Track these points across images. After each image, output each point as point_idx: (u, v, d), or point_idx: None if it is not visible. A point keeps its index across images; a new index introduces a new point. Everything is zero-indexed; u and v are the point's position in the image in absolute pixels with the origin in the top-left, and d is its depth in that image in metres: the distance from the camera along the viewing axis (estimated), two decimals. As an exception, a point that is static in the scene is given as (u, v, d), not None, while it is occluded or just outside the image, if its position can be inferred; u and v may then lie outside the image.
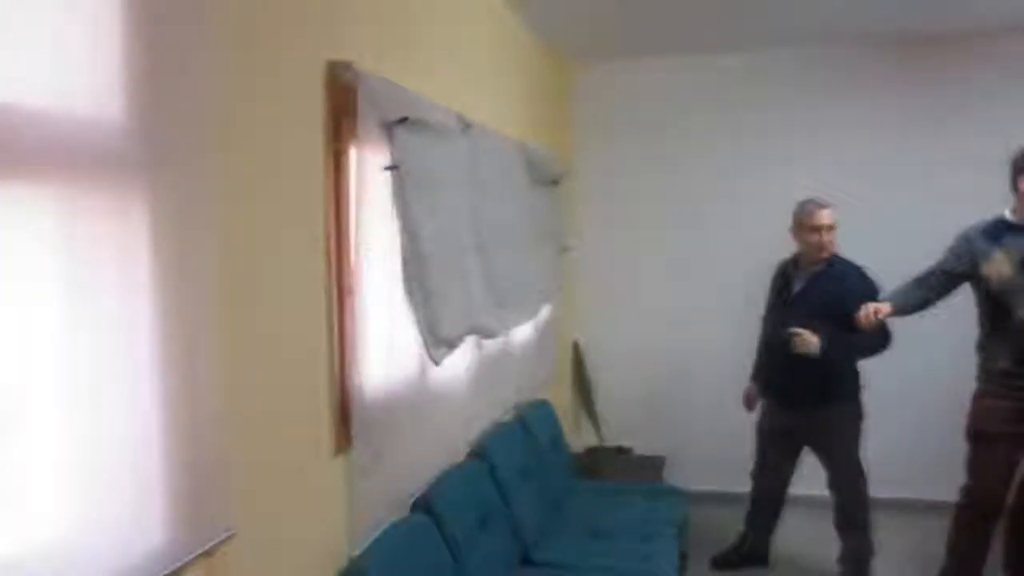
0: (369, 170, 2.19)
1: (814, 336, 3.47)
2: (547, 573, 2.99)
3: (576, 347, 4.97)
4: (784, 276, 3.83)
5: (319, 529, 2.09)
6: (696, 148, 4.91)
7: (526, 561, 3.08)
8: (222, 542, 1.63)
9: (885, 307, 3.32)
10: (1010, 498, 3.36)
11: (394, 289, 2.36)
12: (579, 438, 4.87)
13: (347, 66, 2.10)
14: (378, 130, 2.23)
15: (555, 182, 4.35)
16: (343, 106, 2.10)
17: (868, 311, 3.29)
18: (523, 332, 3.79)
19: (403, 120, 2.31)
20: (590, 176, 4.91)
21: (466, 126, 2.91)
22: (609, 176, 4.97)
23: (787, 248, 3.81)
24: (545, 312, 4.15)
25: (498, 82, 3.70)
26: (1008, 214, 3.26)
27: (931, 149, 4.63)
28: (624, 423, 4.93)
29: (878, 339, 3.49)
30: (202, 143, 1.57)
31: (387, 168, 2.28)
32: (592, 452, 4.80)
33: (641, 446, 4.85)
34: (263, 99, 1.83)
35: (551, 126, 4.52)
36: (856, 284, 3.56)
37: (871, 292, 3.51)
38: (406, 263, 2.39)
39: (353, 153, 2.14)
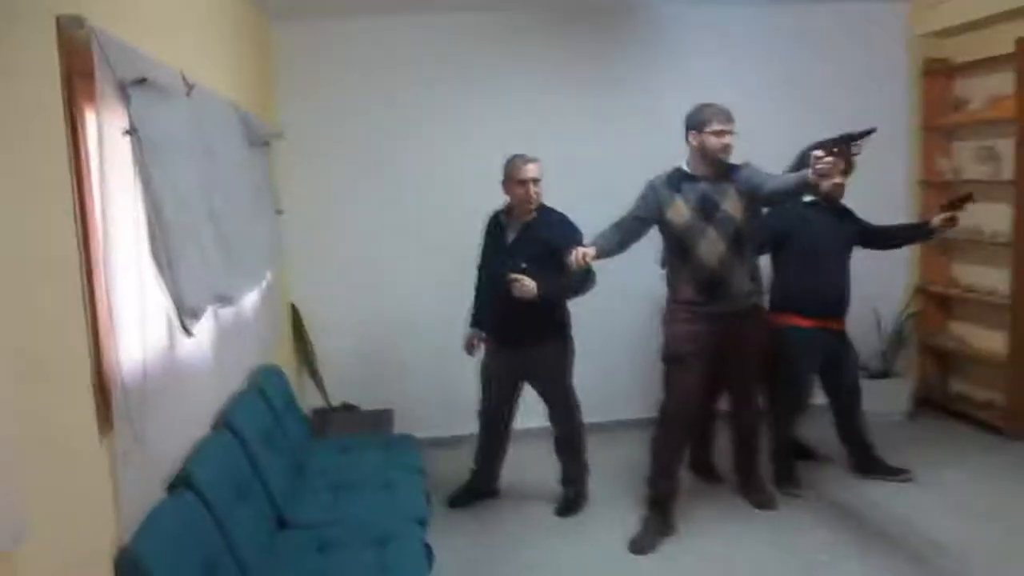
0: (111, 135, 2.05)
1: (531, 280, 3.80)
2: (306, 533, 3.01)
3: (294, 310, 4.93)
4: (497, 226, 4.11)
5: (88, 516, 1.97)
6: (399, 109, 5.03)
7: (283, 524, 3.09)
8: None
9: (590, 251, 3.70)
10: (696, 409, 3.96)
11: (143, 259, 2.24)
12: (304, 400, 4.86)
13: (80, 22, 1.94)
14: (116, 92, 2.09)
15: (267, 144, 4.26)
16: (79, 66, 1.94)
17: (577, 255, 3.65)
18: (251, 298, 3.71)
19: (140, 82, 2.18)
20: (296, 138, 4.83)
21: (190, 87, 2.78)
22: (314, 138, 4.92)
23: (492, 201, 4.09)
24: (269, 276, 4.08)
25: (208, 42, 3.53)
26: (685, 165, 3.79)
27: (619, 107, 5.19)
28: (348, 381, 5.01)
29: (585, 280, 3.89)
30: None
31: (126, 132, 2.15)
32: (319, 412, 4.83)
33: (367, 402, 4.96)
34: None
35: (257, 87, 4.38)
36: (563, 231, 3.92)
37: (576, 238, 3.89)
38: (151, 231, 2.28)
39: (93, 117, 1.99)
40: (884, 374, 5.46)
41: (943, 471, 4.50)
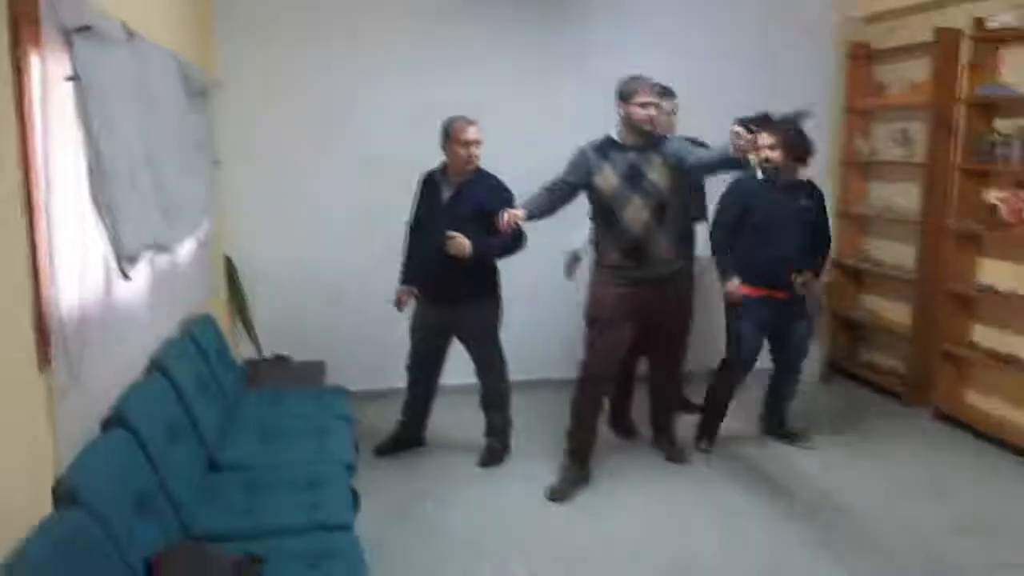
0: (54, 81, 2.11)
1: (466, 239, 3.93)
2: (237, 475, 3.13)
3: (228, 261, 4.97)
4: (432, 185, 4.22)
5: (25, 448, 2.06)
6: (338, 61, 5.06)
7: (214, 466, 3.19)
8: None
9: (520, 213, 3.84)
10: (616, 369, 4.17)
11: (83, 203, 2.30)
12: (237, 351, 4.92)
13: (25, -32, 1.98)
14: (60, 39, 2.14)
15: (204, 94, 4.27)
16: (25, 12, 1.98)
17: (508, 216, 3.80)
18: (187, 247, 3.76)
19: (84, 29, 2.23)
20: (234, 88, 4.82)
21: (130, 35, 2.82)
22: (252, 88, 4.92)
23: (430, 158, 4.19)
24: (205, 227, 4.13)
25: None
26: (614, 134, 3.94)
27: (553, 70, 5.32)
28: (281, 333, 5.08)
29: (515, 241, 4.04)
30: None
31: (69, 78, 2.20)
32: (252, 363, 4.90)
33: (299, 354, 5.04)
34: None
35: (196, 36, 4.37)
36: (496, 194, 4.06)
37: (509, 200, 4.04)
38: (91, 176, 2.34)
39: (38, 62, 2.04)
40: (798, 342, 5.76)
41: (844, 432, 4.83)
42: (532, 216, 3.88)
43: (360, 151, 5.12)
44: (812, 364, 5.74)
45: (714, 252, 4.44)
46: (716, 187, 4.50)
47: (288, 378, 4.75)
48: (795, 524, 3.71)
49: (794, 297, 4.37)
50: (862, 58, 5.76)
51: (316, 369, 4.88)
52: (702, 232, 4.60)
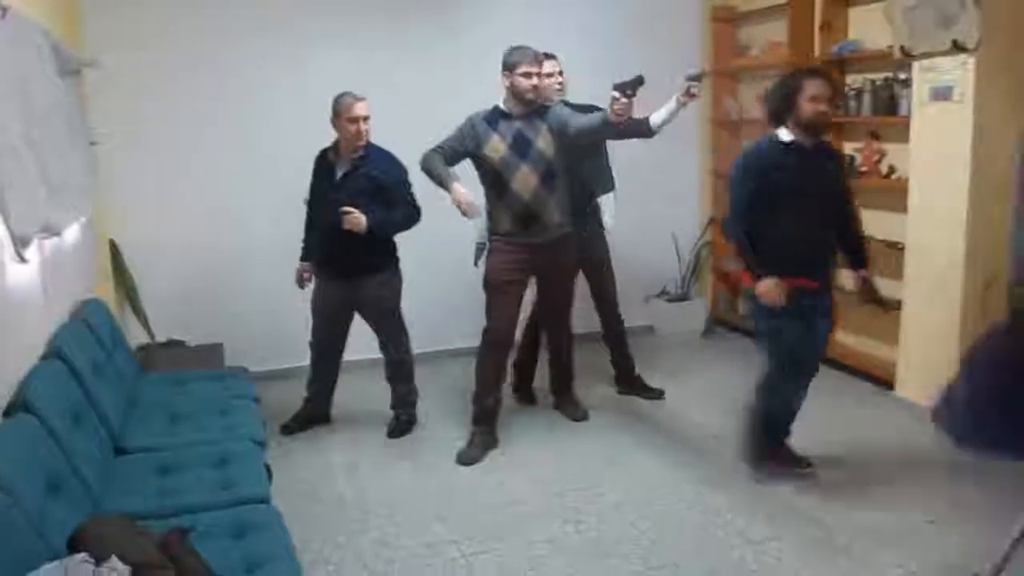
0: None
1: (361, 215, 3.96)
2: (146, 458, 3.08)
3: (113, 244, 4.80)
4: (326, 163, 4.21)
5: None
6: (219, 34, 4.94)
7: (119, 451, 3.13)
8: None
9: (464, 194, 3.86)
10: (518, 334, 4.29)
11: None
12: (128, 337, 4.78)
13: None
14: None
15: (79, 71, 4.11)
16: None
17: (464, 201, 3.83)
18: (73, 231, 3.64)
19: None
20: (108, 64, 4.61)
21: (5, 11, 2.71)
22: (127, 64, 4.68)
23: (321, 134, 4.17)
24: (89, 209, 3.99)
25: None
26: (501, 104, 4.03)
27: (438, 48, 5.35)
28: (174, 317, 4.97)
29: (412, 215, 4.10)
30: None
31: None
32: (144, 348, 4.78)
33: (195, 338, 4.94)
34: None
35: (61, 9, 4.19)
36: (389, 167, 4.11)
37: (402, 175, 4.09)
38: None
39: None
40: (683, 297, 6.04)
41: (725, 379, 5.12)
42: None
43: (245, 128, 5.03)
44: (696, 319, 6.05)
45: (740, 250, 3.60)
46: (621, 156, 4.63)
47: (185, 362, 4.67)
48: (686, 469, 3.93)
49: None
50: (725, 20, 6.06)
51: (214, 352, 4.81)
52: (609, 204, 4.66)
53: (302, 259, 4.37)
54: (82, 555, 1.89)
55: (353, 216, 3.95)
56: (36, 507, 2.15)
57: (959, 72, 4.05)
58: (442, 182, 3.90)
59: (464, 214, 3.86)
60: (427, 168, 3.96)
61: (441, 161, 3.96)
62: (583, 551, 3.21)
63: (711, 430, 4.37)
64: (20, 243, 2.51)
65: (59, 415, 2.65)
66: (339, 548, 3.27)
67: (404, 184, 4.12)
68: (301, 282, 4.36)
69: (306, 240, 4.37)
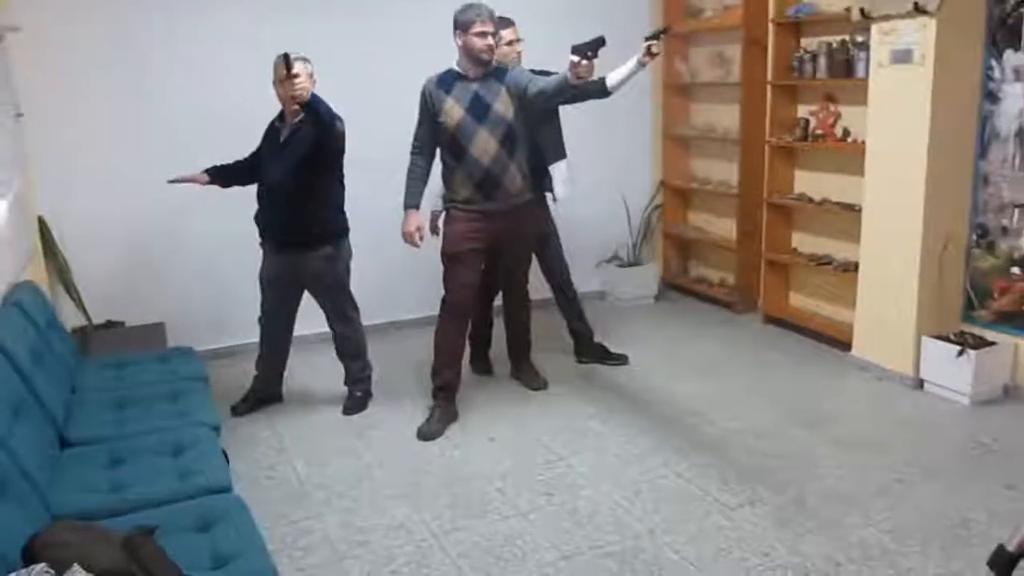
0: None
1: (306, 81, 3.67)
2: (95, 450, 2.89)
3: (42, 223, 4.52)
4: (273, 131, 4.03)
5: None
6: (159, 7, 4.66)
7: (65, 443, 2.94)
8: None
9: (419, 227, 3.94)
10: (473, 301, 4.17)
11: None
12: (62, 319, 4.52)
13: None
14: None
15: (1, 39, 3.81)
16: None
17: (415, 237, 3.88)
18: (1, 208, 3.39)
19: None
20: (32, 31, 4.30)
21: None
22: (54, 30, 4.40)
23: (257, 104, 4.02)
24: (15, 184, 3.73)
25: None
26: (456, 65, 3.88)
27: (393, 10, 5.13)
28: (110, 298, 4.72)
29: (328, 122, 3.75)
30: None
31: None
32: (80, 331, 4.53)
33: (134, 319, 4.70)
34: None
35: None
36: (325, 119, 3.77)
37: (336, 124, 3.78)
38: None
39: None
40: (634, 262, 6.00)
41: (682, 344, 5.12)
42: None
43: (182, 96, 4.76)
44: (648, 283, 6.03)
45: None
46: (571, 121, 4.54)
47: (124, 344, 4.45)
48: (653, 435, 3.89)
49: None
50: (677, -18, 5.95)
51: (155, 332, 4.60)
52: (561, 172, 4.49)
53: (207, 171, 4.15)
54: (41, 566, 1.74)
55: (301, 79, 3.57)
56: (-19, 512, 1.99)
57: (919, 34, 4.03)
58: (404, 202, 3.96)
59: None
60: (406, 182, 3.98)
61: (418, 175, 3.98)
62: (558, 523, 3.14)
63: (673, 394, 4.34)
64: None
65: (-1, 411, 2.46)
66: (306, 533, 3.14)
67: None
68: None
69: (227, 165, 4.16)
